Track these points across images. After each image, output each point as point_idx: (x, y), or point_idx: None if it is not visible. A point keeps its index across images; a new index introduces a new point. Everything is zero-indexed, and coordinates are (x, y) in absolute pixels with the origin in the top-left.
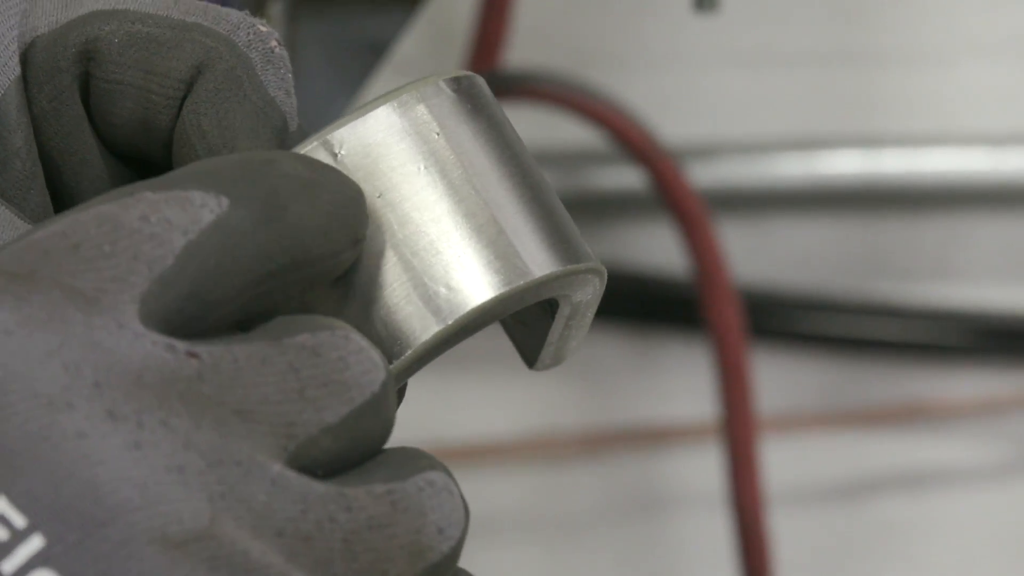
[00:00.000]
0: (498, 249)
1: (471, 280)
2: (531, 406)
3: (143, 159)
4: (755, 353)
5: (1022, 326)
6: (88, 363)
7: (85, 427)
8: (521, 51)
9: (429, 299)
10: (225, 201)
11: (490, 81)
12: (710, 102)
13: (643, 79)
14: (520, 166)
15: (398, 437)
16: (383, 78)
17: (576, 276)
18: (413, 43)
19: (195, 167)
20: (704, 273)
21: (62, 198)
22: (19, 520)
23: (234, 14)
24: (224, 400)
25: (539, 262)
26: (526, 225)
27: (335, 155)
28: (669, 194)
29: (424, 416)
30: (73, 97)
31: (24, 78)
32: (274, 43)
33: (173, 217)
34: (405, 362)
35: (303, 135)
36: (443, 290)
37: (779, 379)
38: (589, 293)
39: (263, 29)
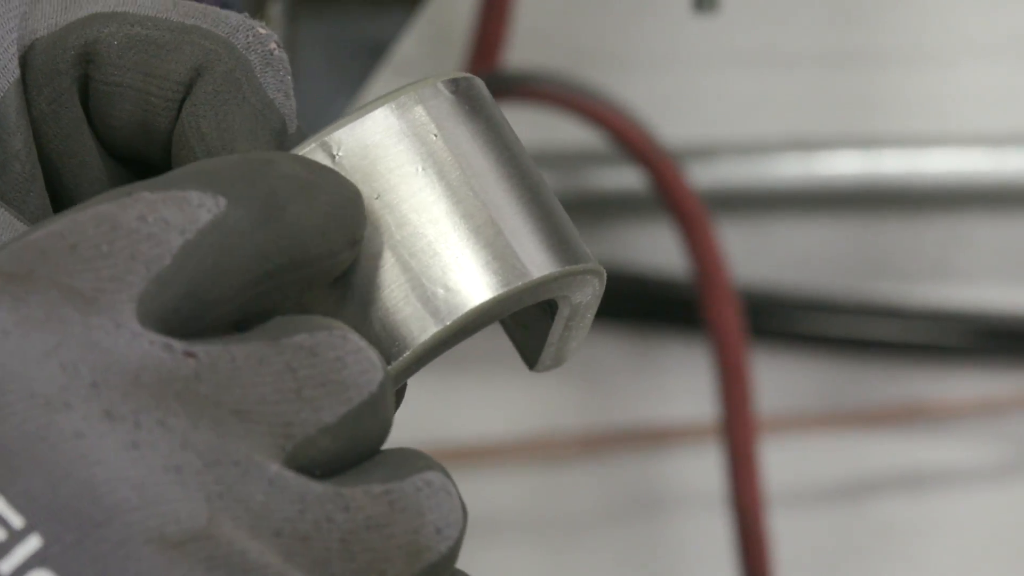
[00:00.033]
0: (496, 250)
1: (469, 281)
2: (531, 407)
3: (142, 161)
4: (755, 353)
5: (1022, 326)
6: (86, 363)
7: (83, 427)
8: (521, 51)
9: (427, 300)
10: (223, 201)
11: (490, 82)
12: (710, 102)
13: (643, 79)
14: (518, 167)
15: (398, 438)
16: (383, 79)
17: (575, 277)
18: (413, 44)
19: (193, 167)
20: (704, 273)
21: (61, 200)
22: (17, 520)
23: (233, 16)
24: (222, 400)
25: (538, 263)
26: (524, 226)
27: (333, 156)
28: (669, 194)
29: (424, 417)
30: (72, 99)
31: (23, 80)
32: (273, 45)
33: (171, 217)
34: (403, 363)
35: (302, 137)
36: (441, 291)
37: (779, 379)
38: (588, 294)
39: (262, 31)
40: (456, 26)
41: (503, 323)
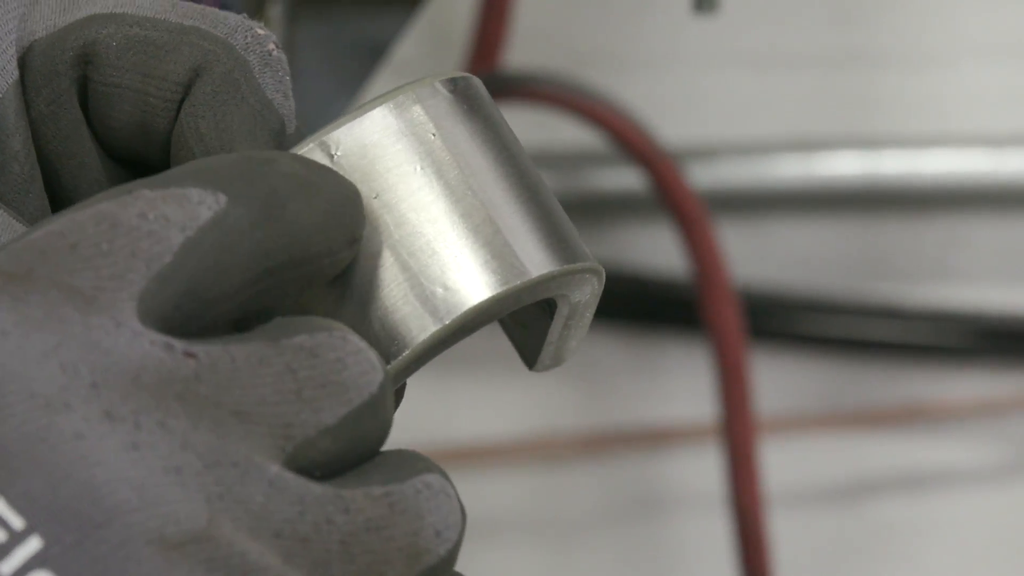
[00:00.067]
0: (495, 249)
1: (468, 280)
2: (530, 407)
3: (141, 162)
4: (755, 354)
5: (1022, 327)
6: (85, 363)
7: (83, 428)
8: (521, 52)
9: (426, 299)
10: (223, 199)
11: (490, 82)
12: (710, 103)
13: (643, 79)
14: (517, 166)
15: (397, 439)
16: (382, 79)
17: (574, 276)
18: (413, 44)
19: (193, 165)
20: (704, 274)
21: (60, 201)
22: (17, 521)
23: (232, 17)
24: (222, 401)
25: (536, 262)
26: (523, 225)
27: (332, 156)
28: (669, 195)
29: (423, 417)
30: (71, 100)
31: (22, 82)
32: (272, 46)
33: (171, 214)
34: (403, 362)
35: (301, 137)
36: (440, 290)
37: (779, 380)
38: (587, 293)
39: (261, 32)
40: (456, 26)
41: (502, 322)
